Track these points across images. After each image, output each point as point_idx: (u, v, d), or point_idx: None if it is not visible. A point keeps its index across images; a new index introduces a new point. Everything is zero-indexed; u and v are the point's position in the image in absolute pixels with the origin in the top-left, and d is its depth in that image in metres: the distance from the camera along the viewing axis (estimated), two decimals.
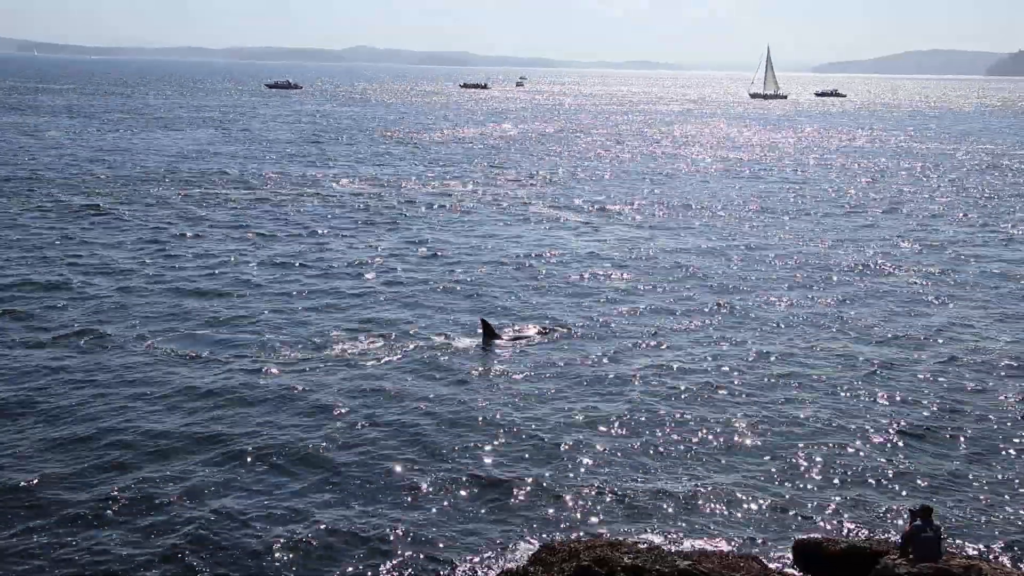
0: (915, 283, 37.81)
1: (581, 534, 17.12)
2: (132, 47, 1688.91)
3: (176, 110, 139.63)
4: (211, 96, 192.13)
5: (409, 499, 18.84)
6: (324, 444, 21.20)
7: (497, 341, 28.73)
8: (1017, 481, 20.05)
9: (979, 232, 50.16)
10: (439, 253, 41.89)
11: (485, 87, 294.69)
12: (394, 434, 21.91)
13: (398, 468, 20.14)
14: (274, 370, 25.94)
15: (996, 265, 41.52)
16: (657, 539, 17.21)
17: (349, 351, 27.72)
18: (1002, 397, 25.04)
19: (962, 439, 22.24)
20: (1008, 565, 15.33)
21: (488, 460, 20.69)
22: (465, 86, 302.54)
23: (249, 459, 20.38)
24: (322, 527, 17.61)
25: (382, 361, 26.89)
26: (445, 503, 18.72)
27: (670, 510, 18.60)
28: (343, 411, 23.11)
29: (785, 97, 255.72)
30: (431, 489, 19.26)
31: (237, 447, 20.96)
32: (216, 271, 37.30)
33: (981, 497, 19.31)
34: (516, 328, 30.13)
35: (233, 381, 25.04)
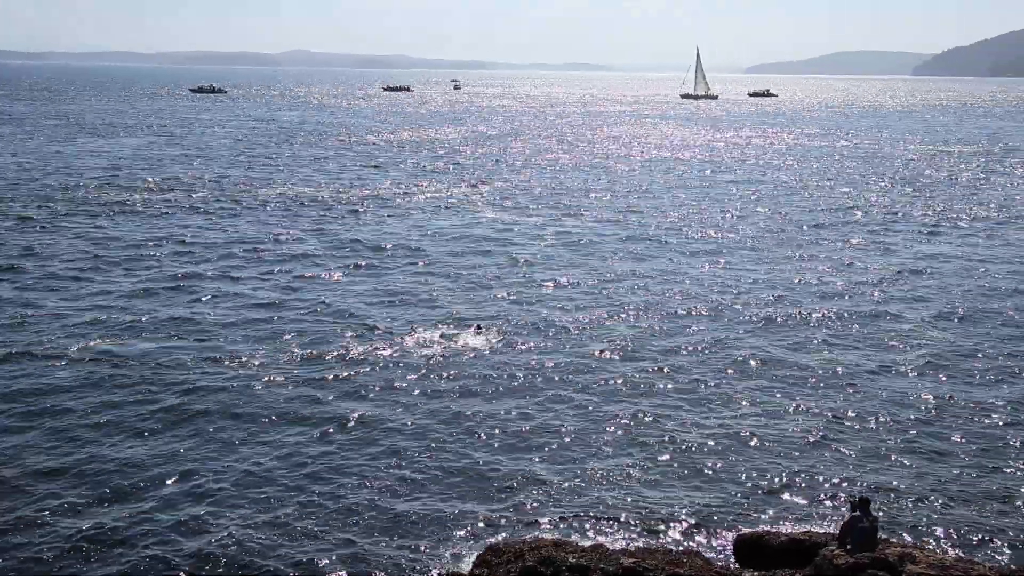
0: (855, 279, 38.55)
1: (526, 535, 17.17)
2: (57, 51, 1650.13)
3: (107, 116, 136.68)
4: (137, 101, 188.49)
5: (349, 503, 18.70)
6: (248, 455, 20.97)
7: (441, 341, 28.74)
8: (950, 473, 20.59)
9: (910, 224, 51.37)
10: (384, 254, 41.69)
11: (408, 89, 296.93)
12: (335, 432, 21.75)
13: (335, 474, 20.00)
14: (219, 376, 25.57)
15: (930, 256, 42.56)
16: (601, 538, 17.34)
17: (307, 350, 27.46)
18: (941, 393, 25.67)
19: (900, 434, 22.76)
20: (939, 552, 15.73)
21: (430, 463, 20.63)
22: (387, 89, 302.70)
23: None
24: (244, 537, 17.41)
25: (331, 359, 26.68)
26: (388, 507, 18.63)
27: (614, 509, 18.74)
28: (275, 418, 22.89)
29: (715, 98, 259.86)
30: (374, 493, 19.14)
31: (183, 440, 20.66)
32: (158, 280, 36.62)
33: (916, 489, 19.79)
34: (455, 326, 30.17)
35: (182, 387, 24.63)
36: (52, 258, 39.71)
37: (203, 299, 33.61)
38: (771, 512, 18.71)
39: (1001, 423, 23.32)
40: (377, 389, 25.03)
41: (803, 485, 19.92)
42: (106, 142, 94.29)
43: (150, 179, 65.46)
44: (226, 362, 26.81)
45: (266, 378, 25.65)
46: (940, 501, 19.17)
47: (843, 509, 17.90)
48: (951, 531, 17.97)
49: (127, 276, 36.90)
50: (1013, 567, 15.20)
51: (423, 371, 26.42)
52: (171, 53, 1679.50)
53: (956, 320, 32.46)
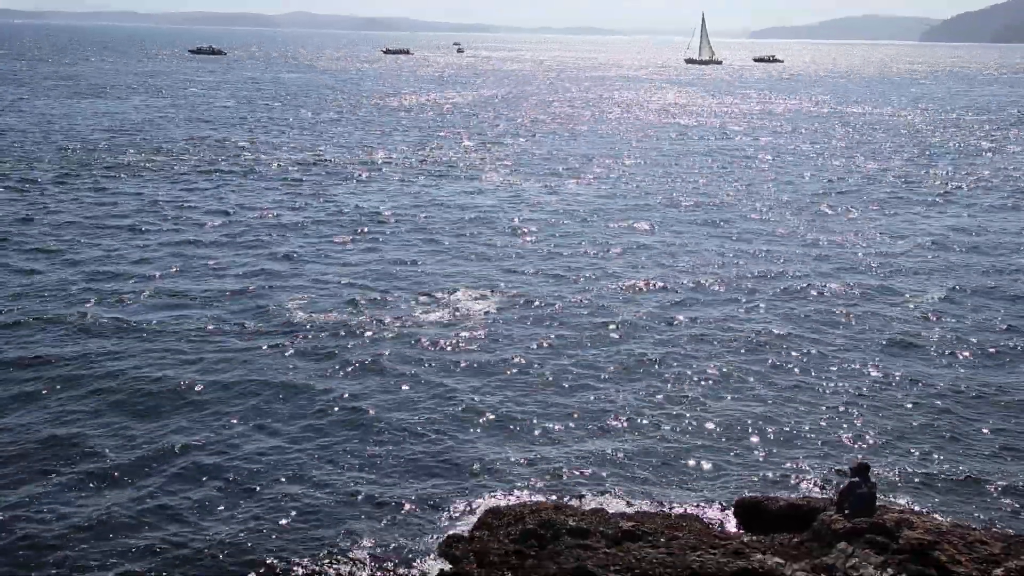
0: (855, 251, 38.50)
1: (526, 498, 17.30)
2: (58, 11, 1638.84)
3: (106, 77, 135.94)
4: (135, 62, 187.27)
5: (353, 465, 18.83)
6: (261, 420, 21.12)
7: (440, 310, 28.82)
8: (947, 439, 20.68)
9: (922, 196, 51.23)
10: (387, 223, 41.63)
11: (408, 52, 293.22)
12: (337, 402, 21.87)
13: (340, 437, 20.13)
14: (214, 346, 25.66)
15: (934, 228, 42.48)
16: (601, 501, 17.47)
17: (311, 321, 27.50)
18: (939, 363, 25.72)
19: (899, 403, 22.83)
20: (937, 517, 15.85)
21: (433, 426, 20.76)
22: (387, 52, 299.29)
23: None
24: (274, 499, 17.58)
25: (336, 329, 26.76)
26: (385, 470, 18.76)
27: (613, 473, 18.87)
28: (298, 381, 23.01)
29: (720, 63, 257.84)
30: (376, 457, 19.28)
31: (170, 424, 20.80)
32: (164, 247, 36.64)
33: (914, 454, 19.90)
34: (461, 295, 30.23)
35: (182, 354, 24.74)
36: (52, 223, 39.59)
37: (202, 267, 33.45)
38: (771, 478, 18.83)
39: (1006, 397, 23.35)
40: (377, 359, 25.08)
41: (803, 451, 20.03)
42: (105, 103, 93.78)
43: (151, 142, 65.20)
44: (222, 332, 26.80)
45: (263, 347, 25.69)
46: (939, 468, 19.28)
47: (842, 475, 18.01)
48: (948, 498, 18.09)
49: (125, 243, 36.79)
50: (1009, 531, 15.31)
51: (424, 341, 26.47)
52: (170, 14, 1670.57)
53: (968, 295, 32.33)
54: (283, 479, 18.30)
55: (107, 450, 19.23)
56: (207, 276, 32.15)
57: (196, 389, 22.38)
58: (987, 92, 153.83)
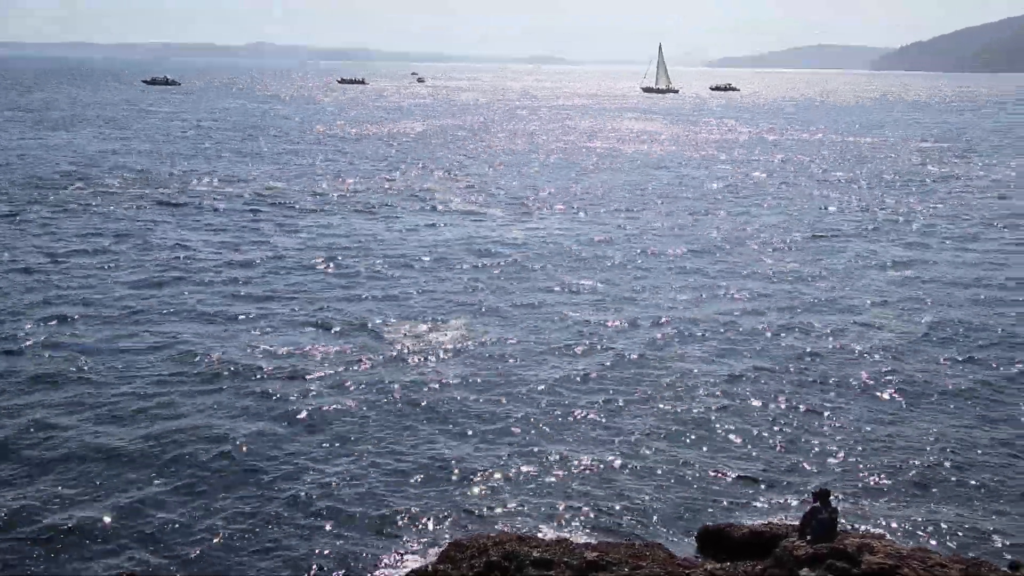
0: (803, 272, 38.94)
1: (490, 529, 17.19)
2: (16, 42, 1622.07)
3: (72, 107, 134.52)
4: (89, 93, 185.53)
5: (314, 499, 18.60)
6: (225, 448, 20.82)
7: (403, 339, 28.69)
8: (906, 465, 20.87)
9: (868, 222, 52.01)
10: (349, 252, 41.43)
11: (363, 82, 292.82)
12: (299, 433, 21.63)
13: (302, 468, 19.90)
14: (183, 376, 25.33)
15: (881, 253, 43.11)
16: (565, 532, 17.40)
17: (270, 353, 27.23)
18: (902, 395, 25.98)
19: (859, 426, 23.04)
20: (897, 542, 15.97)
21: (394, 459, 20.58)
22: (342, 82, 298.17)
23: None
24: (228, 530, 17.30)
25: (295, 361, 26.51)
26: (350, 502, 18.56)
27: (578, 504, 18.80)
28: (261, 411, 22.74)
29: (676, 91, 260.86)
30: (339, 488, 19.06)
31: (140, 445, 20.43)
32: (120, 285, 36.16)
33: (874, 481, 20.06)
34: (418, 325, 30.12)
35: (147, 389, 24.37)
36: (8, 255, 38.99)
37: (156, 304, 33.02)
38: (734, 505, 18.87)
39: (964, 419, 23.67)
40: (343, 386, 24.91)
41: (765, 478, 20.12)
42: (60, 135, 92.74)
43: (106, 175, 64.45)
44: (190, 362, 26.49)
45: (228, 377, 25.42)
46: (899, 493, 19.46)
47: (803, 501, 18.11)
48: (909, 523, 18.24)
49: (87, 274, 36.31)
50: (968, 555, 15.46)
51: (384, 375, 26.33)
52: (131, 44, 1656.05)
53: (920, 318, 32.82)
54: (242, 514, 18.01)
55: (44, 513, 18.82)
56: (159, 312, 31.70)
57: (147, 418, 22.04)
58: (941, 120, 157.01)
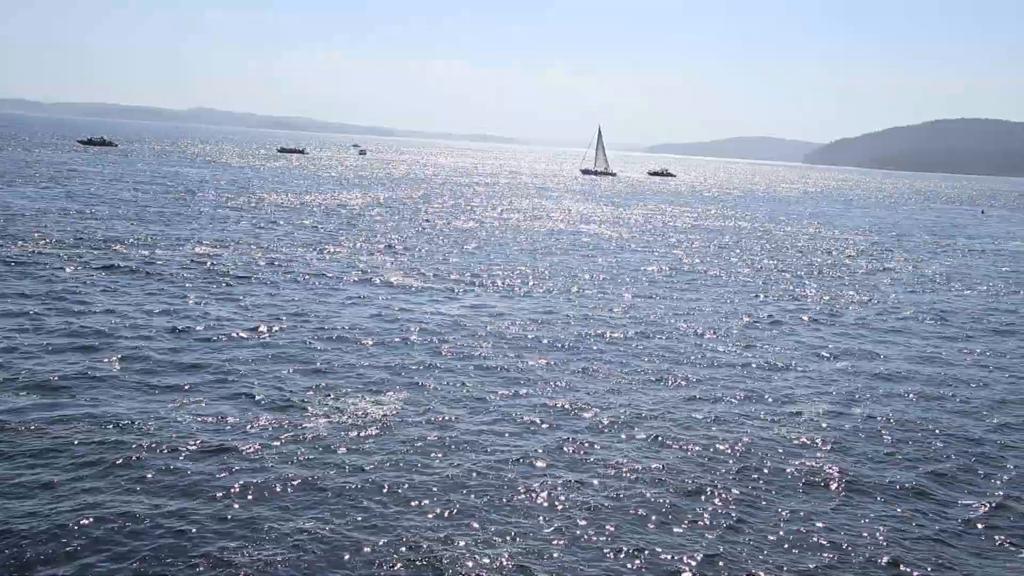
0: (741, 359, 39.17)
1: None
2: None
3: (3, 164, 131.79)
4: (16, 152, 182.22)
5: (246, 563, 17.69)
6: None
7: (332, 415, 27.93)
8: (840, 562, 20.65)
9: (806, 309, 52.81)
10: (287, 319, 40.62)
11: (303, 152, 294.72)
12: (223, 510, 20.70)
13: (227, 547, 18.96)
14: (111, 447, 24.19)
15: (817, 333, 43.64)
16: None
17: (200, 427, 26.21)
18: (834, 480, 25.97)
19: (795, 521, 22.84)
20: None
21: (336, 527, 19.76)
22: (282, 150, 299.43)
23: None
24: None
25: (220, 436, 25.54)
26: (299, 564, 17.69)
27: (533, 566, 18.18)
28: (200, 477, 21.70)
29: (615, 174, 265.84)
30: (284, 548, 18.19)
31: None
32: (43, 352, 34.84)
33: (835, 550, 19.79)
34: (349, 399, 29.41)
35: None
36: None
37: (89, 368, 31.90)
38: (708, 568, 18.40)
39: (897, 513, 23.63)
40: (270, 461, 24.01)
41: (698, 573, 19.72)
42: None
43: (38, 236, 62.79)
44: (108, 434, 25.40)
45: (148, 451, 24.38)
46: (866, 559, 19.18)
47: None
48: None
49: (5, 336, 34.97)
50: None
51: (317, 443, 25.53)
52: (68, 104, 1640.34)
53: (854, 409, 33.03)
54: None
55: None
56: (82, 379, 30.53)
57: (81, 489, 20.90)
58: (865, 214, 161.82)
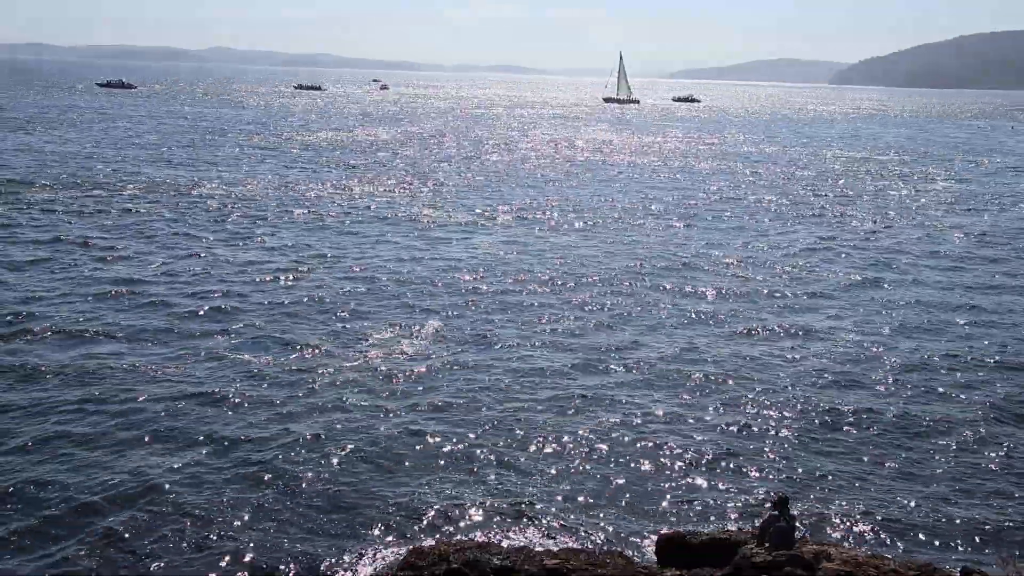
0: (768, 284, 39.34)
1: (451, 537, 17.15)
2: None
3: (26, 110, 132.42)
4: (39, 96, 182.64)
5: (276, 503, 18.46)
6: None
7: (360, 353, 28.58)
8: (866, 474, 21.13)
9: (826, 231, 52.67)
10: (332, 258, 41.20)
11: (320, 88, 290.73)
12: (262, 441, 21.47)
13: (265, 471, 19.74)
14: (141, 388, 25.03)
15: (846, 260, 43.70)
16: (525, 539, 17.42)
17: (241, 363, 26.98)
18: (856, 395, 26.34)
19: (817, 435, 23.30)
20: (854, 549, 16.18)
21: (355, 467, 20.48)
22: (299, 87, 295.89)
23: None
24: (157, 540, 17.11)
25: (267, 372, 26.30)
26: (311, 507, 18.44)
27: (538, 510, 18.84)
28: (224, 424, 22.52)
29: (637, 102, 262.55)
30: (301, 494, 18.93)
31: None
32: (85, 285, 35.64)
33: (833, 488, 20.30)
34: (389, 335, 30.04)
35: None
36: None
37: (134, 305, 32.72)
38: (693, 512, 19.01)
39: (917, 424, 24.02)
40: (300, 401, 24.73)
41: (725, 485, 20.29)
42: (11, 138, 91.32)
43: (70, 179, 63.44)
44: (158, 372, 26.20)
45: (196, 391, 25.16)
46: (856, 500, 19.68)
47: (763, 508, 18.27)
48: (866, 529, 18.49)
49: (52, 278, 35.77)
50: (922, 561, 15.69)
51: (351, 382, 26.25)
52: (89, 47, 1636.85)
53: (874, 324, 33.35)
54: (199, 519, 17.83)
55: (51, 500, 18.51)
56: (136, 313, 31.33)
57: (120, 438, 21.75)
58: (897, 132, 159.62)
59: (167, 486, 19.14)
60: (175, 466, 20.07)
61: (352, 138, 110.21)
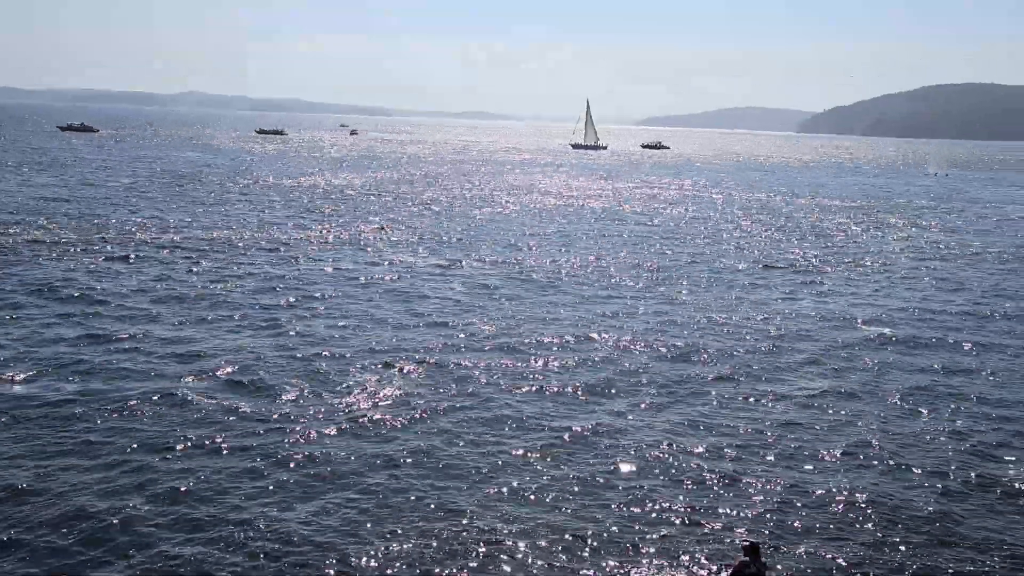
0: (743, 324, 39.39)
1: None
2: None
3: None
4: (4, 139, 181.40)
5: (266, 541, 17.93)
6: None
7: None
8: (841, 522, 20.86)
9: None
10: (293, 301, 40.77)
11: (282, 133, 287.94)
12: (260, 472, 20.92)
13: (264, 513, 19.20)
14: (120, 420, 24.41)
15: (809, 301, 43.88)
16: None
17: (219, 411, 26.43)
18: (823, 439, 26.20)
19: (793, 485, 23.07)
20: None
21: (325, 520, 20.00)
22: (261, 132, 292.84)
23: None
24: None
25: (238, 410, 25.79)
26: (307, 553, 17.93)
27: (503, 560, 18.41)
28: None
29: (605, 148, 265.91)
30: (294, 534, 18.42)
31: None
32: (58, 331, 34.97)
33: (804, 534, 20.04)
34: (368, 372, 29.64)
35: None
36: None
37: (105, 352, 32.12)
38: (665, 561, 18.66)
39: (893, 470, 23.87)
40: (282, 445, 24.24)
41: (695, 531, 19.97)
42: None
43: (31, 221, 62.63)
44: (128, 411, 25.62)
45: (166, 429, 24.60)
46: (828, 548, 19.44)
47: (734, 555, 17.99)
48: (837, 572, 18.23)
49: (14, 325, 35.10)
50: None
51: (335, 422, 25.77)
52: (60, 90, 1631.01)
53: (835, 365, 33.37)
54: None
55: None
56: (108, 358, 30.74)
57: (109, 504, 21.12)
58: (863, 181, 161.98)
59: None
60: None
61: (322, 183, 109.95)
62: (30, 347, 31.58)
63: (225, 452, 23.14)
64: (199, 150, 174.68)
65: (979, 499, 22.19)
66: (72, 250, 51.35)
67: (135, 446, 23.13)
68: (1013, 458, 24.89)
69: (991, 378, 32.61)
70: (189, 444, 23.47)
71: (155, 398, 26.79)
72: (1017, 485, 23.02)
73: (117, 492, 20.64)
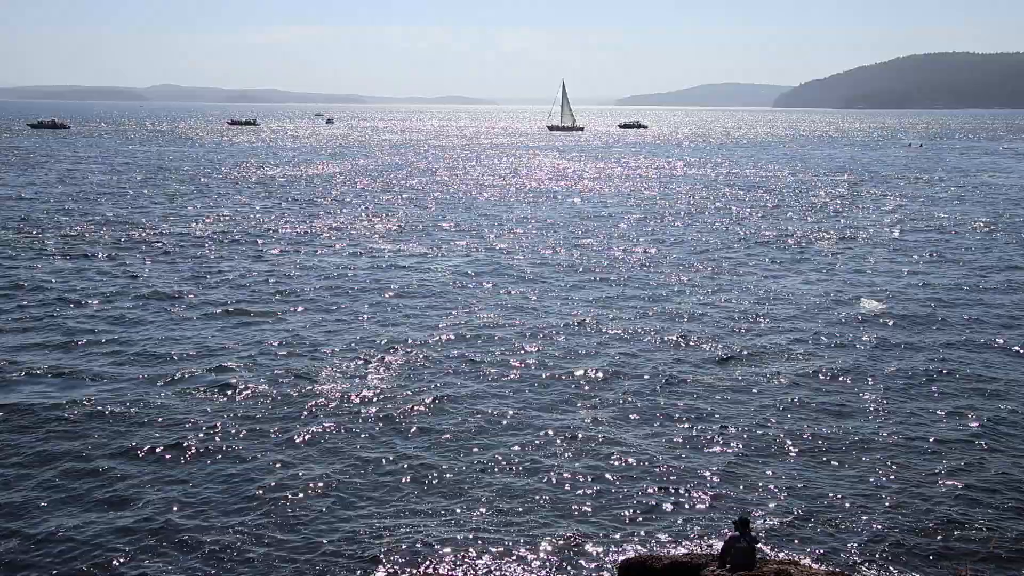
0: (732, 303, 39.54)
1: (410, 554, 16.69)
2: None
3: None
4: None
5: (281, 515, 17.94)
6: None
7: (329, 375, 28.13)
8: (828, 494, 20.99)
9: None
10: (286, 288, 40.65)
11: (254, 124, 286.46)
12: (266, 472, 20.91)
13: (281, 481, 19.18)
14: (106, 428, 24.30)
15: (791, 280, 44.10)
16: (482, 566, 17.05)
17: (212, 403, 26.34)
18: (813, 414, 26.36)
19: (777, 455, 23.22)
20: (815, 567, 16.07)
21: (317, 503, 20.02)
22: (233, 123, 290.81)
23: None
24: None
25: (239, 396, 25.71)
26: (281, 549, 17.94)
27: (496, 537, 18.48)
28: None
29: (581, 129, 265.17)
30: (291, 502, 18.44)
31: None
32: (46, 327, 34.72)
33: (795, 508, 20.17)
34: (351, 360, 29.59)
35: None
36: None
37: (94, 344, 31.92)
38: (655, 535, 18.77)
39: (880, 444, 24.04)
40: (276, 434, 24.20)
41: (686, 506, 20.10)
42: None
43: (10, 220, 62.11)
44: (116, 410, 25.51)
45: (162, 431, 24.51)
46: (819, 519, 19.59)
47: (724, 529, 18.12)
48: (827, 547, 18.38)
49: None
50: None
51: (323, 409, 25.76)
52: (32, 88, 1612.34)
53: (823, 342, 33.54)
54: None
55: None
56: (98, 355, 30.54)
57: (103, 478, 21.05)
58: (838, 152, 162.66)
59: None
60: (126, 524, 19.46)
61: (302, 172, 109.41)
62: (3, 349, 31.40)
63: (194, 453, 23.11)
64: (171, 143, 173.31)
65: (978, 478, 22.37)
66: (43, 249, 50.92)
67: (98, 452, 22.81)
68: (1013, 435, 25.14)
69: (987, 355, 32.66)
70: (159, 448, 23.32)
71: (126, 398, 26.65)
72: (1018, 464, 23.24)
73: (82, 500, 20.60)
